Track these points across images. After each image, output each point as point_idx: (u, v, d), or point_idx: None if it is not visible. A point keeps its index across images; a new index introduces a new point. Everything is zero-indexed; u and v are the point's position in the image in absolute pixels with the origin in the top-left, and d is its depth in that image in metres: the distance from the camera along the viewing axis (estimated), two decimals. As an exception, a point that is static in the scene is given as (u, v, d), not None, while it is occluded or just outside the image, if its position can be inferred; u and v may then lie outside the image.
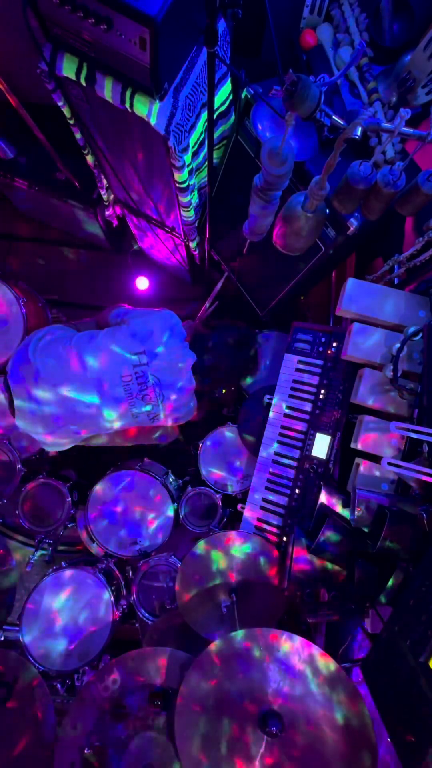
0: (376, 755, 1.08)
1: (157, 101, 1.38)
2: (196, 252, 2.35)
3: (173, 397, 1.78)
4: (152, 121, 1.41)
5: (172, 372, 1.75)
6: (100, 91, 1.43)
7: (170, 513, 2.10)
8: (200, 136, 1.66)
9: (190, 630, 1.64)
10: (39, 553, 2.17)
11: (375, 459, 1.51)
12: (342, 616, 1.48)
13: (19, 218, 2.91)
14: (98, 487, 2.08)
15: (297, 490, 1.77)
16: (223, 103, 1.69)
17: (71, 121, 1.77)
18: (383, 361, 1.55)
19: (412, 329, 1.46)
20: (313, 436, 1.77)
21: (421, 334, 1.46)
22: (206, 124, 1.41)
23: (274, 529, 1.77)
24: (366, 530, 1.34)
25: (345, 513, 1.46)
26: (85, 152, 1.96)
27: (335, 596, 1.44)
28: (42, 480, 2.15)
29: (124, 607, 2.06)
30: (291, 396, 1.85)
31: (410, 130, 0.99)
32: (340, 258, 2.15)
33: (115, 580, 2.14)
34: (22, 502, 2.14)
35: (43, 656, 1.86)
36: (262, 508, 1.81)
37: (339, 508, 1.48)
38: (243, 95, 1.62)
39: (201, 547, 1.66)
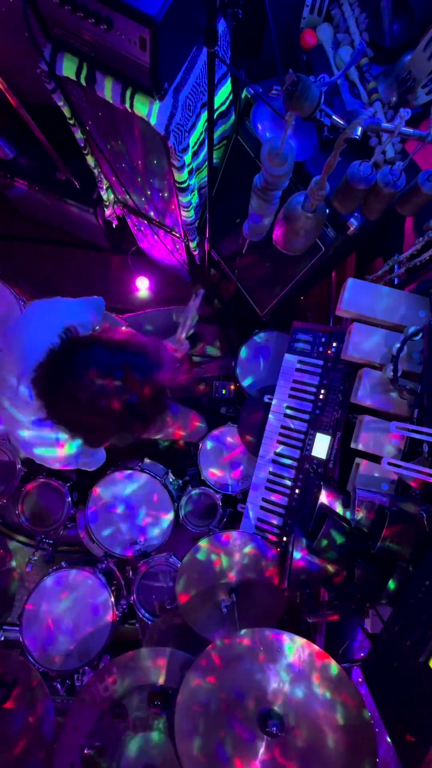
0: (376, 755, 1.08)
1: (157, 101, 1.38)
2: (196, 252, 2.35)
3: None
4: (152, 121, 1.41)
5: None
6: (100, 91, 1.43)
7: (170, 513, 2.10)
8: (200, 136, 1.66)
9: (190, 630, 1.64)
10: (39, 553, 2.17)
11: (375, 459, 1.51)
12: (342, 616, 1.48)
13: (19, 218, 2.91)
14: (98, 487, 2.08)
15: (297, 490, 1.77)
16: (223, 103, 1.69)
17: (71, 121, 1.77)
18: (383, 361, 1.54)
19: (412, 329, 1.46)
20: (313, 436, 1.77)
21: (421, 334, 1.46)
22: (206, 124, 1.41)
23: (274, 529, 1.77)
24: (366, 530, 1.34)
25: (345, 513, 1.46)
26: (85, 152, 1.96)
27: (335, 596, 1.44)
28: (42, 480, 2.15)
29: (124, 607, 2.06)
30: (291, 396, 1.85)
31: (410, 130, 0.98)
32: (340, 258, 2.15)
33: (115, 580, 2.14)
34: (22, 502, 2.13)
35: (43, 656, 1.86)
36: (262, 508, 1.81)
37: (339, 508, 1.48)
38: (243, 95, 1.61)
39: (201, 547, 1.66)
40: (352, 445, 1.55)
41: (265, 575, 1.65)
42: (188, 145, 1.55)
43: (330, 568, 1.43)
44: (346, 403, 1.73)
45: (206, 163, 1.62)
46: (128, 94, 1.40)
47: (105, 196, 2.30)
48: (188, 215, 1.95)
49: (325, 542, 1.36)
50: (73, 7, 1.23)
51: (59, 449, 1.37)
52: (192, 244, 2.24)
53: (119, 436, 1.25)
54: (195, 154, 1.68)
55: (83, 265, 3.00)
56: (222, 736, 1.15)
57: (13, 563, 2.38)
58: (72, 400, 1.10)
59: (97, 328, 1.41)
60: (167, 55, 1.28)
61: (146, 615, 2.02)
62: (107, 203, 2.36)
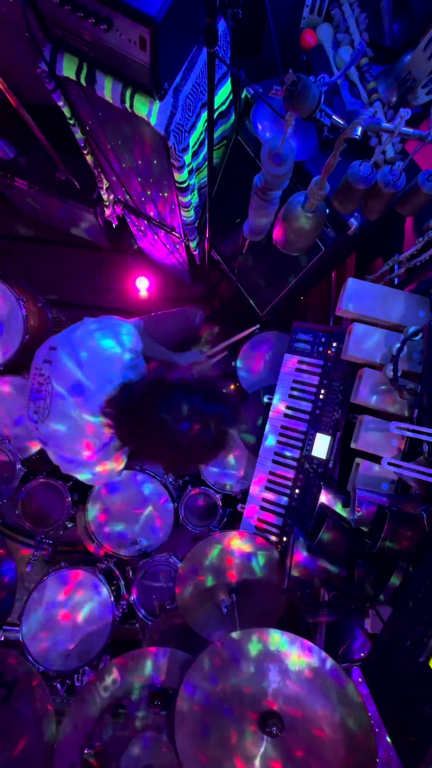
0: (375, 755, 1.08)
1: (157, 101, 1.38)
2: (196, 252, 2.35)
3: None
4: (152, 121, 1.41)
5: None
6: (100, 91, 1.43)
7: (170, 513, 2.10)
8: (200, 136, 1.66)
9: (190, 630, 1.64)
10: (39, 553, 2.17)
11: (375, 459, 1.51)
12: (342, 616, 1.48)
13: (19, 218, 2.91)
14: (98, 487, 2.08)
15: (297, 490, 1.77)
16: (223, 103, 1.69)
17: (71, 121, 1.77)
18: (383, 361, 1.55)
19: (412, 329, 1.46)
20: (313, 436, 1.77)
21: (421, 334, 1.46)
22: (206, 124, 1.41)
23: (274, 529, 1.77)
24: (366, 530, 1.34)
25: (345, 513, 1.46)
26: (85, 152, 1.96)
27: (335, 596, 1.44)
28: (42, 480, 2.14)
29: (124, 607, 2.06)
30: (291, 396, 1.85)
31: (410, 130, 0.99)
32: (340, 258, 2.15)
33: (115, 580, 2.14)
34: (22, 502, 2.13)
35: (43, 656, 1.86)
36: (262, 508, 1.81)
37: (339, 508, 1.48)
38: (243, 95, 1.61)
39: (201, 547, 1.66)
40: (352, 445, 1.55)
41: (265, 575, 1.65)
42: (188, 145, 1.55)
43: (330, 568, 1.43)
44: (346, 403, 1.73)
45: (206, 163, 1.62)
46: (128, 94, 1.40)
47: (105, 196, 2.30)
48: (188, 215, 1.95)
49: (325, 542, 1.36)
50: (73, 7, 1.23)
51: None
52: (192, 244, 2.24)
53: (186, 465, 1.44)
54: (195, 154, 1.68)
55: (83, 265, 3.00)
56: (222, 736, 1.15)
57: (13, 563, 2.37)
58: (161, 439, 1.21)
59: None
60: (167, 55, 1.28)
61: (146, 615, 2.02)
62: (107, 203, 2.36)
